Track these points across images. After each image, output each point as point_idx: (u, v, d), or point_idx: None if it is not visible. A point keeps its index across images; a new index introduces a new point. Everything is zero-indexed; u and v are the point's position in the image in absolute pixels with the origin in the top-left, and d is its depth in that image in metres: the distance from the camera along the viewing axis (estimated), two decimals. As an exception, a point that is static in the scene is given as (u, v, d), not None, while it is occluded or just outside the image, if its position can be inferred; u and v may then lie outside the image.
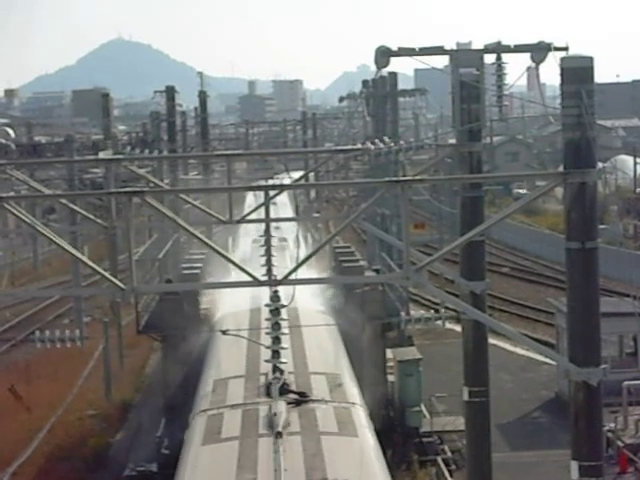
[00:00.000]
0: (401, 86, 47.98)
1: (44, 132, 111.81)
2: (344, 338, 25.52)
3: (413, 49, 18.89)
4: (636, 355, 34.72)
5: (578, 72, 15.39)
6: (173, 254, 37.36)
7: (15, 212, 15.91)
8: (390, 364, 32.64)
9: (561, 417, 30.90)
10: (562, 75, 15.50)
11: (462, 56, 19.52)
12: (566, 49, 17.80)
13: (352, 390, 20.21)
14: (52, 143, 61.46)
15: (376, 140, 29.18)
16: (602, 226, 54.18)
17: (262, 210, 16.74)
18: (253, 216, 19.56)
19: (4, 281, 59.07)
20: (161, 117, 53.07)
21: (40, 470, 30.84)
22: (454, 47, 19.59)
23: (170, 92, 51.70)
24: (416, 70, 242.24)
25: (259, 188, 16.66)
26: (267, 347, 18.33)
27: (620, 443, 28.44)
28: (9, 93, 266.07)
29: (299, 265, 15.83)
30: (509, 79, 20.07)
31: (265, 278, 15.88)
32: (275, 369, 18.34)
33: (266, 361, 18.53)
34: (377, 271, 33.10)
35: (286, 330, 18.95)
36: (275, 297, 17.72)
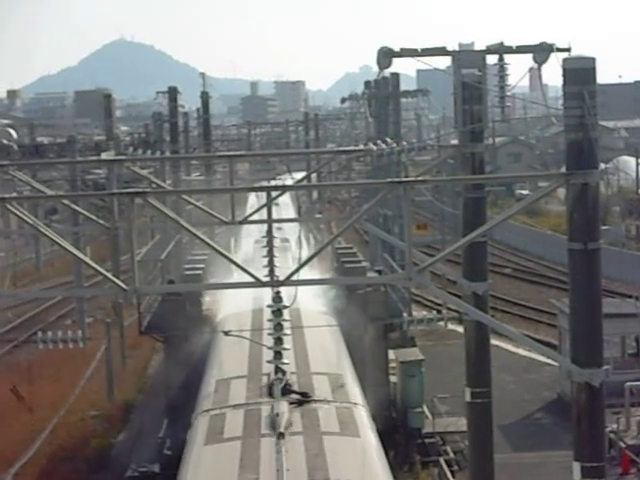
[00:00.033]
0: (403, 87, 48.00)
1: (46, 133, 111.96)
2: (346, 339, 25.48)
3: (415, 50, 18.89)
4: (638, 356, 34.74)
5: (580, 73, 15.38)
6: (175, 255, 37.35)
7: (17, 213, 15.93)
8: (392, 365, 32.65)
9: (563, 418, 30.85)
10: (564, 76, 15.50)
11: (464, 57, 19.52)
12: (568, 50, 17.77)
13: (354, 390, 20.18)
14: (54, 144, 61.67)
15: (378, 141, 29.22)
16: (604, 227, 54.01)
17: (264, 211, 16.69)
18: (255, 217, 19.53)
19: (6, 282, 59.05)
20: (163, 118, 53.03)
21: (42, 471, 30.85)
22: (456, 48, 19.62)
23: (172, 93, 51.65)
24: (418, 71, 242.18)
25: (261, 189, 16.64)
26: (269, 348, 18.34)
27: (622, 444, 28.45)
28: (11, 94, 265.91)
29: (301, 266, 15.81)
30: (511, 80, 20.13)
31: (267, 279, 15.85)
32: (277, 369, 18.34)
33: (268, 362, 18.54)
34: (379, 272, 33.14)
35: (288, 331, 18.96)
36: (277, 298, 17.75)
